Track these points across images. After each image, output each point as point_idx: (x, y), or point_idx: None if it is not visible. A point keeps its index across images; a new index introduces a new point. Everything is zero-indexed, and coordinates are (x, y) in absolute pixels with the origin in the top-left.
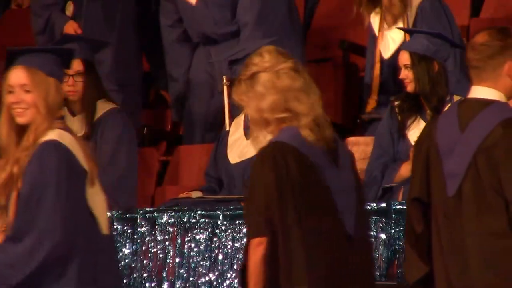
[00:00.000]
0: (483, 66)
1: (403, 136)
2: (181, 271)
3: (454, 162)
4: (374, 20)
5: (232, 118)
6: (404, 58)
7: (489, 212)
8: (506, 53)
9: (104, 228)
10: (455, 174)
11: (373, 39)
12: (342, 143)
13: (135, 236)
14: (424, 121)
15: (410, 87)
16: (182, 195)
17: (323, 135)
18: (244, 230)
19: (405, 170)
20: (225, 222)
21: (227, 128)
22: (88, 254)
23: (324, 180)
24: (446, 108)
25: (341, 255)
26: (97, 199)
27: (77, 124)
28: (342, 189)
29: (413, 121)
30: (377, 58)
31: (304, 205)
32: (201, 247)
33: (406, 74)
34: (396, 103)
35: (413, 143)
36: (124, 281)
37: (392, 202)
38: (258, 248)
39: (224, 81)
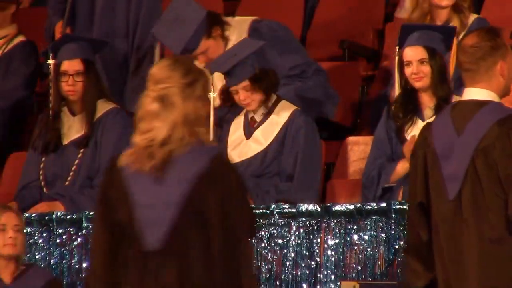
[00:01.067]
0: (476, 68)
1: (401, 139)
2: None
3: (453, 165)
4: None
5: (216, 126)
6: (419, 53)
7: (488, 216)
8: (497, 53)
9: None
10: (455, 177)
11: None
12: (186, 159)
13: None
14: (422, 120)
15: (422, 83)
16: None
17: (151, 154)
18: None
19: (401, 167)
20: None
21: (211, 138)
22: None
23: (128, 194)
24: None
25: (132, 268)
26: None
27: (77, 124)
28: (154, 204)
29: (412, 124)
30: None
31: (109, 218)
32: None
33: (420, 69)
34: (392, 107)
35: None
36: None
37: (392, 202)
38: None
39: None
